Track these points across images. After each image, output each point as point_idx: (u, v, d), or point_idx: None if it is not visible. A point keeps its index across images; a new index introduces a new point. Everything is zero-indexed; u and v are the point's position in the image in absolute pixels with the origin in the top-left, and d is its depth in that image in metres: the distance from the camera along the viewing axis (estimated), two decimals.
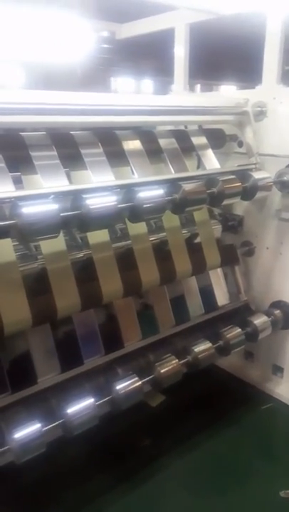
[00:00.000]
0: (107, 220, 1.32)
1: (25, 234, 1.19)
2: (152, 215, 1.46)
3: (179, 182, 1.53)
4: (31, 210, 1.17)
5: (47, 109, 1.39)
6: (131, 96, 1.74)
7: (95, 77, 5.99)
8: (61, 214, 1.24)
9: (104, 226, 1.39)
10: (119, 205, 1.33)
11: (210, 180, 1.66)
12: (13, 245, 1.40)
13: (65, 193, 1.34)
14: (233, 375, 2.41)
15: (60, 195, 1.34)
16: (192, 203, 1.55)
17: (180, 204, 1.52)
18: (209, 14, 2.17)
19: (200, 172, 1.76)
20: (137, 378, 1.57)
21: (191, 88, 2.44)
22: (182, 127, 2.23)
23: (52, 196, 1.33)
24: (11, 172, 1.45)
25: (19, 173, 1.47)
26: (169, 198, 1.51)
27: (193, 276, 2.07)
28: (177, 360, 1.70)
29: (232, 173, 1.80)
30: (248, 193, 1.78)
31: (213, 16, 2.17)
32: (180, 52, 2.40)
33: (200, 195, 1.56)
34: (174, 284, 1.99)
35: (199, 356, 1.77)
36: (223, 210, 2.22)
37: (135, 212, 1.39)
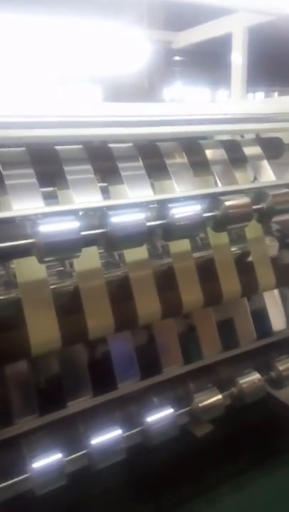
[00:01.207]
0: (135, 239, 1.22)
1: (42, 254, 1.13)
2: (188, 233, 1.34)
3: (222, 196, 1.38)
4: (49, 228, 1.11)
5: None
6: (176, 105, 1.64)
7: (162, 88, 5.98)
8: (88, 232, 1.17)
9: (134, 245, 1.29)
10: (149, 224, 1.23)
11: (259, 194, 1.50)
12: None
13: (92, 210, 1.27)
14: (286, 404, 2.17)
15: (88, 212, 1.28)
16: (235, 220, 1.39)
17: (221, 221, 1.38)
18: (269, 15, 2.01)
19: (247, 185, 1.60)
20: (172, 410, 1.44)
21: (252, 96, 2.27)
22: (238, 137, 2.08)
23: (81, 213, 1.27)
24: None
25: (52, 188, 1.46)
26: (209, 214, 1.37)
27: (245, 298, 1.90)
28: (219, 392, 1.54)
29: (287, 185, 1.61)
30: None
31: (273, 16, 2.00)
32: (238, 58, 2.25)
33: (245, 211, 1.40)
34: (222, 306, 1.83)
35: (245, 389, 1.59)
36: (281, 225, 2.02)
37: (168, 231, 1.28)
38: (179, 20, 2.48)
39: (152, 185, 1.62)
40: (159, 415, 1.41)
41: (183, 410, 1.46)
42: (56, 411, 1.44)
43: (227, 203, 1.35)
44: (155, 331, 1.67)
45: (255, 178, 1.93)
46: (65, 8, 2.92)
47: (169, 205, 1.26)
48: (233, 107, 1.97)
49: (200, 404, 1.50)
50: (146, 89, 5.86)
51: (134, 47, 3.46)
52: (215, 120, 1.70)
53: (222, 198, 1.37)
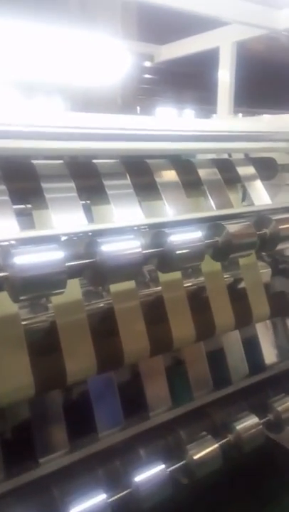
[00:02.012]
0: (127, 272, 1.03)
1: (17, 291, 0.91)
2: (187, 263, 1.16)
3: (221, 221, 1.23)
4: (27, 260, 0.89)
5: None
6: (162, 119, 1.49)
7: (136, 105, 5.89)
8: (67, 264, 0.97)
9: (128, 278, 1.11)
10: (145, 252, 1.05)
11: (261, 219, 1.35)
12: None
13: (76, 235, 1.07)
14: (285, 447, 2.01)
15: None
16: (238, 249, 1.24)
17: (223, 249, 1.22)
18: (260, 29, 1.91)
19: (248, 208, 1.46)
20: (163, 467, 1.24)
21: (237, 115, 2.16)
22: (226, 156, 1.96)
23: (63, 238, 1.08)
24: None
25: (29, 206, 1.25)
26: (210, 241, 1.21)
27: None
28: (215, 441, 1.35)
29: (285, 210, 1.48)
30: None
31: (265, 31, 1.91)
32: (225, 74, 2.14)
33: (249, 239, 1.25)
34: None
35: (243, 436, 1.41)
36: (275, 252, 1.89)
37: (165, 261, 1.10)
38: (163, 32, 2.38)
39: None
40: (150, 473, 1.21)
41: (176, 466, 1.26)
42: (26, 471, 1.21)
43: (230, 229, 1.19)
44: (140, 368, 1.47)
45: (243, 200, 1.80)
46: (42, 15, 2.76)
47: (167, 231, 1.08)
48: (220, 124, 1.84)
49: (195, 457, 1.30)
50: (119, 105, 5.73)
51: (109, 58, 3.33)
52: (203, 137, 1.57)
53: (223, 223, 1.21)
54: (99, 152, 1.48)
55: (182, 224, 1.28)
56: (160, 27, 2.51)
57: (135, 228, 1.21)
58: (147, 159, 1.49)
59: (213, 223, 1.22)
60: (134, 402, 1.47)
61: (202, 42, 2.18)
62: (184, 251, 1.10)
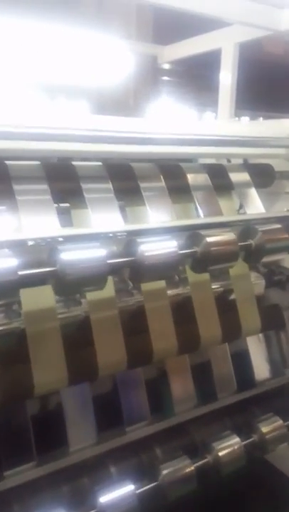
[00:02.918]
0: (89, 282, 0.97)
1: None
2: (161, 274, 1.10)
3: (201, 230, 1.16)
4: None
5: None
6: (155, 122, 1.43)
7: (149, 107, 5.83)
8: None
9: (93, 288, 1.05)
10: (111, 261, 0.99)
11: (246, 229, 1.28)
12: None
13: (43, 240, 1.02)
14: (276, 468, 1.91)
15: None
16: (218, 260, 1.16)
17: (202, 260, 1.15)
18: (263, 31, 1.83)
19: (233, 217, 1.38)
20: (132, 488, 1.17)
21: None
22: (225, 162, 1.89)
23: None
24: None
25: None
26: (188, 251, 1.14)
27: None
28: (191, 462, 1.28)
29: (278, 219, 1.40)
30: None
31: (268, 32, 1.83)
32: (226, 76, 2.07)
33: (230, 250, 1.17)
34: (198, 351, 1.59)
35: (222, 457, 1.33)
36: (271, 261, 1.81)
37: (136, 271, 1.04)
38: (166, 33, 2.32)
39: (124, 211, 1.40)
40: (116, 494, 1.14)
41: (146, 487, 1.19)
42: None
43: (209, 239, 1.12)
44: (118, 383, 1.41)
45: (240, 208, 1.72)
46: (46, 14, 2.73)
47: (138, 240, 1.02)
48: (220, 128, 1.77)
49: (167, 478, 1.23)
50: (131, 105, 5.69)
51: (113, 58, 3.28)
52: (197, 141, 1.50)
53: (203, 232, 1.14)
54: (81, 154, 1.43)
55: (163, 232, 1.22)
56: (164, 27, 2.46)
57: (110, 235, 1.15)
58: (133, 163, 1.43)
59: (192, 232, 1.15)
60: (110, 416, 1.41)
61: (204, 43, 2.12)
62: (157, 261, 1.04)
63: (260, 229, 1.24)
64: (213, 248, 1.12)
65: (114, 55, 3.36)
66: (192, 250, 1.14)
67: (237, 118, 2.06)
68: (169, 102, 5.71)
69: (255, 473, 1.79)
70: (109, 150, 1.36)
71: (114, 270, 1.01)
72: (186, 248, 1.14)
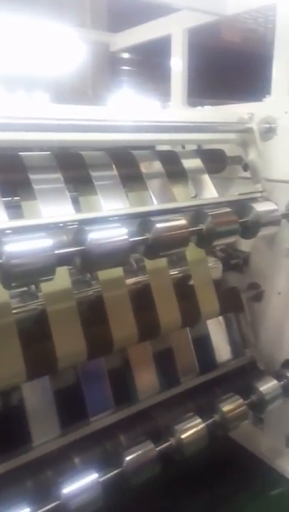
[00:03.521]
0: (37, 273, 0.96)
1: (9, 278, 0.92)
2: (112, 262, 1.10)
3: (152, 217, 1.16)
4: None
5: None
6: (104, 109, 1.41)
7: (108, 96, 5.76)
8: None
9: (36, 281, 1.04)
10: (59, 251, 0.98)
11: (197, 214, 1.29)
12: None
13: None
14: (238, 443, 1.97)
15: None
16: (169, 246, 1.17)
17: (153, 247, 1.15)
18: (210, 15, 1.84)
19: (185, 203, 1.39)
20: (96, 476, 1.18)
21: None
22: (180, 148, 1.89)
23: None
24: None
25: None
26: (139, 238, 1.14)
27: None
28: (153, 446, 1.30)
29: (229, 203, 1.43)
30: (248, 230, 1.40)
31: (214, 17, 1.83)
32: (177, 63, 2.07)
33: (180, 235, 1.18)
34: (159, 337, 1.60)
35: (184, 439, 1.36)
36: (225, 244, 1.84)
37: (86, 261, 1.03)
38: (121, 21, 2.28)
39: (76, 200, 1.38)
40: (79, 484, 1.14)
41: (110, 474, 1.20)
42: None
43: (159, 225, 1.12)
44: (79, 370, 1.41)
45: (196, 195, 1.74)
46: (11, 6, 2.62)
47: (87, 229, 1.01)
48: (172, 115, 1.77)
49: (131, 463, 1.24)
50: (90, 95, 5.61)
51: (67, 47, 3.21)
52: (149, 127, 1.49)
53: (153, 218, 1.14)
54: (32, 144, 1.39)
55: (115, 220, 1.21)
56: (119, 15, 2.42)
57: (61, 225, 1.14)
58: (83, 151, 1.41)
59: (143, 219, 1.15)
60: (74, 408, 1.41)
61: (154, 29, 2.10)
62: (107, 249, 1.03)
63: (210, 213, 1.25)
64: (163, 234, 1.13)
65: (67, 44, 3.29)
66: (143, 237, 1.14)
67: (200, 107, 2.07)
68: (127, 91, 5.67)
69: (221, 452, 1.85)
70: (61, 139, 1.34)
71: (63, 260, 0.99)
72: (137, 235, 1.14)
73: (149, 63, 4.86)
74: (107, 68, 5.44)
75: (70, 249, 1.00)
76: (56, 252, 0.95)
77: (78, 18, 4.55)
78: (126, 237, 1.06)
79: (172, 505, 1.68)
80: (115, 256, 1.05)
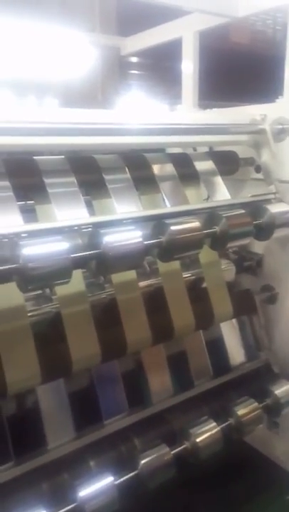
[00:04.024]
0: (53, 276, 0.96)
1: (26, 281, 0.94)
2: (126, 265, 1.10)
3: (166, 220, 1.16)
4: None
5: None
6: (115, 113, 1.42)
7: (118, 100, 5.79)
8: None
9: (52, 284, 1.05)
10: (75, 255, 0.98)
11: (211, 216, 1.29)
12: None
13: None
14: (253, 448, 1.96)
15: None
16: (183, 248, 1.17)
17: (167, 249, 1.15)
18: (221, 18, 1.84)
19: (198, 205, 1.39)
20: (111, 479, 1.18)
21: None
22: (191, 150, 1.89)
23: None
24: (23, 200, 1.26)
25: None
26: (154, 241, 1.14)
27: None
28: (168, 450, 1.29)
29: (242, 205, 1.42)
30: (262, 231, 1.39)
31: (226, 19, 1.83)
32: (188, 65, 2.07)
33: (195, 237, 1.18)
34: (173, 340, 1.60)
35: (199, 443, 1.35)
36: (238, 246, 1.83)
37: (102, 264, 1.03)
38: (130, 25, 2.29)
39: (90, 204, 1.39)
40: (95, 487, 1.14)
41: (125, 477, 1.20)
42: None
43: (173, 228, 1.12)
44: (93, 372, 1.41)
45: (208, 197, 1.73)
46: (9, 10, 2.65)
47: (102, 232, 1.01)
48: (184, 117, 1.77)
49: (146, 466, 1.24)
50: (99, 99, 5.64)
51: (77, 51, 3.24)
52: (161, 130, 1.49)
53: (167, 221, 1.14)
54: (46, 148, 1.41)
55: (129, 223, 1.22)
56: (129, 20, 2.43)
57: (75, 228, 1.14)
58: (96, 155, 1.42)
59: (157, 221, 1.15)
60: (88, 410, 1.41)
61: (165, 32, 2.11)
62: (121, 252, 1.04)
63: (224, 215, 1.25)
64: (178, 236, 1.13)
65: (77, 49, 3.32)
66: (157, 240, 1.14)
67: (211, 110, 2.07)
68: (138, 95, 5.69)
69: (236, 456, 1.83)
70: (73, 143, 1.34)
71: (79, 263, 1.00)
72: (152, 238, 1.14)
73: (158, 67, 4.87)
74: (116, 72, 5.47)
75: (86, 253, 1.00)
76: (72, 255, 0.95)
77: (87, 22, 4.59)
78: (140, 239, 1.06)
79: (186, 509, 1.67)
80: (130, 259, 1.05)
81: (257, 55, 4.78)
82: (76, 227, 1.14)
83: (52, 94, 5.88)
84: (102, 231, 1.02)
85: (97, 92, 5.50)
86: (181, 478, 1.37)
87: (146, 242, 1.09)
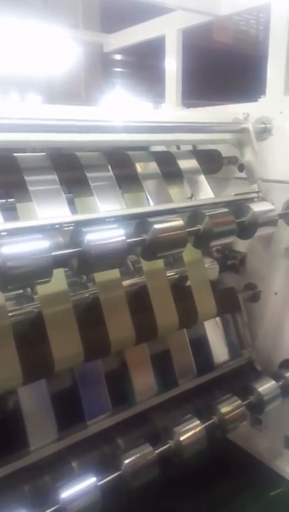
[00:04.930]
0: (34, 275, 0.95)
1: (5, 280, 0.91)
2: (109, 263, 1.09)
3: (150, 218, 1.15)
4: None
5: None
6: (99, 110, 1.40)
7: (101, 98, 5.75)
8: None
9: (33, 283, 1.03)
10: (56, 253, 0.96)
11: (194, 214, 1.28)
12: None
13: None
14: (237, 445, 1.97)
15: None
16: (166, 247, 1.17)
17: (151, 248, 1.14)
18: (204, 16, 1.84)
19: (181, 204, 1.39)
20: (94, 480, 1.16)
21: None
22: (175, 148, 1.89)
23: None
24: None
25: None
26: (137, 239, 1.13)
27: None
28: (152, 449, 1.29)
29: (225, 204, 1.42)
30: (245, 230, 1.39)
31: (208, 17, 1.83)
32: (171, 63, 2.07)
33: (178, 236, 1.17)
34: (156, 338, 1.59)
35: (183, 442, 1.35)
36: (222, 244, 1.83)
37: (84, 262, 1.02)
38: (115, 22, 2.27)
39: (72, 202, 1.37)
40: (78, 488, 1.13)
41: (109, 478, 1.19)
42: None
43: (157, 226, 1.11)
44: (76, 372, 1.39)
45: (192, 195, 1.73)
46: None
47: (84, 230, 1.00)
48: (167, 115, 1.76)
49: (130, 466, 1.23)
50: (83, 97, 5.59)
51: (56, 48, 3.20)
52: (143, 128, 1.48)
53: (150, 219, 1.13)
54: (26, 145, 1.38)
55: (111, 221, 1.20)
56: (113, 16, 2.41)
57: (57, 226, 1.12)
58: (79, 152, 1.40)
59: (140, 220, 1.14)
60: (71, 411, 1.40)
61: (148, 30, 2.10)
62: (104, 251, 1.02)
63: (207, 213, 1.25)
64: (161, 235, 1.12)
65: (60, 46, 3.28)
66: (141, 238, 1.13)
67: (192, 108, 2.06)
68: (120, 92, 5.66)
69: (220, 454, 1.84)
70: (55, 140, 1.32)
71: (60, 262, 0.98)
72: (135, 236, 1.13)
73: (142, 65, 4.86)
74: (99, 70, 5.43)
75: (67, 251, 0.99)
76: (53, 253, 0.94)
77: (71, 19, 4.55)
78: (123, 238, 1.05)
79: (171, 507, 1.67)
80: (113, 257, 1.04)
81: (240, 54, 4.81)
82: (57, 226, 1.12)
83: (35, 91, 5.81)
84: (84, 229, 1.01)
85: (81, 89, 5.45)
86: (164, 477, 1.37)
87: (128, 241, 1.08)
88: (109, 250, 1.03)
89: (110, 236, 1.04)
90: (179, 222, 1.17)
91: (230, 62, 4.70)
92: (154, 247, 1.13)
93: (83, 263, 1.02)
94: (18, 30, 2.93)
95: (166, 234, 1.14)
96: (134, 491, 1.25)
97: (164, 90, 2.18)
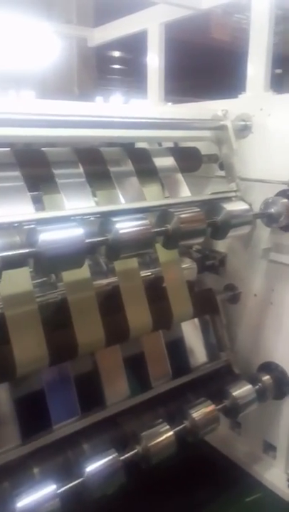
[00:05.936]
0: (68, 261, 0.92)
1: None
2: (66, 265, 1.04)
3: (114, 218, 1.11)
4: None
5: None
6: (71, 104, 1.35)
7: (94, 93, 5.69)
8: None
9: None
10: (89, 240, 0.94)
11: (163, 214, 1.24)
12: None
13: None
14: (215, 448, 1.93)
15: None
16: (130, 247, 1.12)
17: (113, 248, 1.10)
18: (186, 10, 1.79)
19: (152, 203, 1.34)
20: (54, 487, 1.12)
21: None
22: (156, 146, 1.84)
23: None
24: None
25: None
26: (99, 239, 1.09)
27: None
28: (117, 455, 1.25)
29: (201, 203, 1.38)
30: (218, 230, 1.35)
31: (190, 11, 1.79)
32: (154, 58, 2.02)
33: (143, 236, 1.13)
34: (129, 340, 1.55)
35: (151, 447, 1.31)
36: (201, 245, 1.79)
37: (40, 261, 0.97)
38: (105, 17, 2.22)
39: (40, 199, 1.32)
40: (36, 496, 1.09)
41: (69, 485, 1.14)
42: None
43: (120, 226, 1.07)
44: (43, 376, 1.35)
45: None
46: None
47: (39, 229, 0.96)
48: (143, 111, 1.71)
49: (93, 473, 1.19)
50: (76, 92, 5.53)
51: (47, 43, 3.15)
52: (120, 124, 1.44)
53: (114, 219, 1.09)
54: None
55: (73, 219, 1.16)
56: (101, 11, 2.36)
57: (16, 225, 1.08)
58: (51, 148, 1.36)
59: (105, 220, 1.10)
60: (36, 413, 1.36)
61: (130, 24, 2.05)
62: (59, 251, 0.98)
63: (176, 213, 1.20)
64: (124, 235, 1.08)
65: (51, 41, 3.22)
66: (103, 238, 1.09)
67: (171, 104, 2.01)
68: (114, 89, 5.62)
69: (197, 456, 1.80)
70: (27, 134, 1.27)
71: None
72: (98, 236, 1.09)
73: (135, 61, 4.81)
74: (93, 65, 5.37)
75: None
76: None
77: (65, 15, 4.50)
78: (82, 237, 1.01)
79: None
80: (69, 257, 1.00)
81: (221, 50, 4.75)
82: (17, 224, 1.08)
83: (28, 86, 5.77)
84: (39, 228, 0.97)
85: (74, 84, 5.40)
86: (138, 482, 1.33)
87: (89, 240, 1.03)
88: (66, 250, 0.98)
89: (68, 235, 1.00)
90: (144, 221, 1.13)
91: (211, 58, 4.63)
92: (117, 247, 1.09)
93: (39, 263, 0.97)
94: (7, 25, 2.87)
95: (129, 234, 1.09)
96: (108, 496, 1.21)
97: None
